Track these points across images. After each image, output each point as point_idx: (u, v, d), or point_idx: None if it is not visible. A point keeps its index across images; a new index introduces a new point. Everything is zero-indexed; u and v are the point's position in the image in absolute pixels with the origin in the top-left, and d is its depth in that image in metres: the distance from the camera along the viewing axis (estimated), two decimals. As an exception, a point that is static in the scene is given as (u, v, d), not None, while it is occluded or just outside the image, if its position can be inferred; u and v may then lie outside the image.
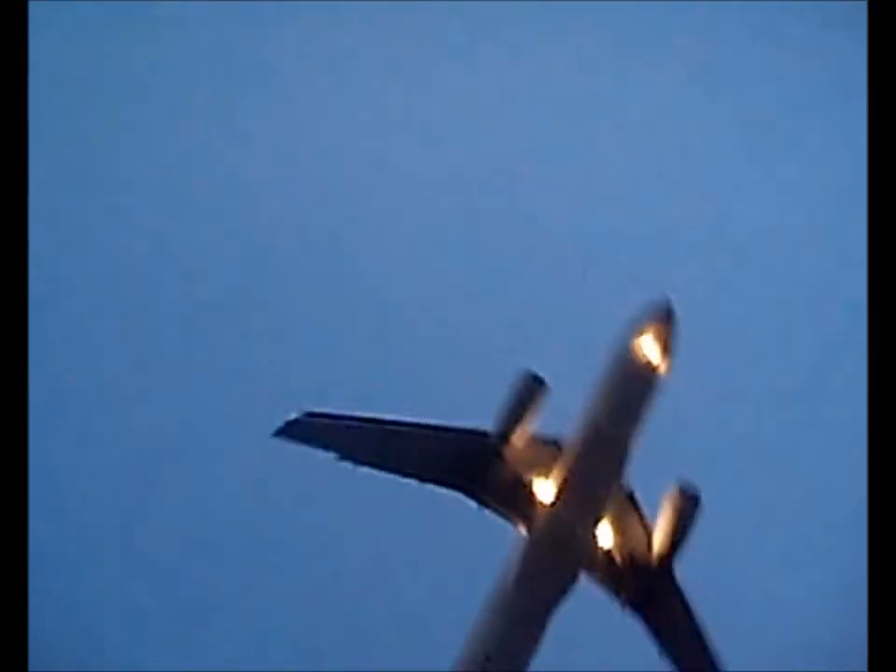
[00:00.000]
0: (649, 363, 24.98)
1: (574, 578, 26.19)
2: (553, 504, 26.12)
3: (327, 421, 25.81)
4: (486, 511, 26.41)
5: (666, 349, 24.97)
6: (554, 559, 25.99)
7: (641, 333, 25.07)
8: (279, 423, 25.93)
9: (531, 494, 26.38)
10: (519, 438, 26.40)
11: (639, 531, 26.90)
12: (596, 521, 26.38)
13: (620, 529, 26.77)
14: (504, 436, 26.38)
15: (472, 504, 26.48)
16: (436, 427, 25.82)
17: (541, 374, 26.22)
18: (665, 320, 24.96)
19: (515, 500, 26.46)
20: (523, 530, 26.64)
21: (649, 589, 26.45)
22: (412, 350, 67.55)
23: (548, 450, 26.63)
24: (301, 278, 79.31)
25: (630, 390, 25.48)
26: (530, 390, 25.94)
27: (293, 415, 25.62)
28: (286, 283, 79.49)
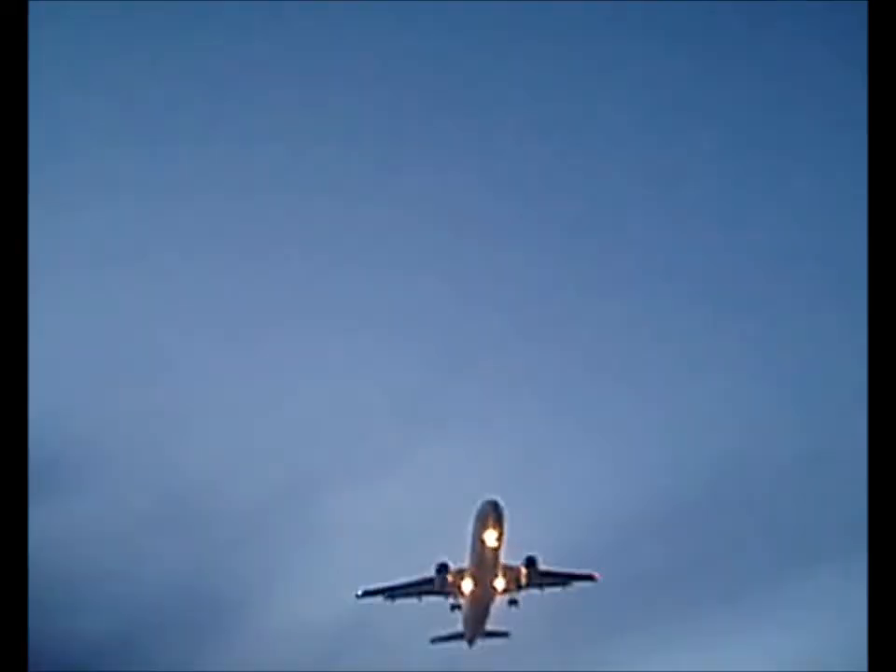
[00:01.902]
0: (490, 545, 48.14)
1: (490, 602, 51.13)
2: (472, 591, 51.52)
3: (373, 589, 52.20)
4: (448, 600, 52.09)
5: (500, 534, 47.40)
6: (479, 603, 51.29)
7: (484, 529, 47.76)
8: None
9: (462, 590, 51.39)
10: (452, 579, 51.59)
11: (516, 573, 51.02)
12: (494, 580, 51.31)
13: (505, 574, 50.21)
14: (444, 583, 51.34)
15: (441, 598, 51.62)
16: (421, 581, 51.06)
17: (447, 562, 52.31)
18: (496, 519, 47.46)
19: (458, 593, 51.71)
20: (464, 601, 52.03)
21: (527, 583, 50.60)
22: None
23: (462, 572, 51.04)
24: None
25: (486, 556, 49.59)
26: (442, 580, 52.67)
27: (361, 590, 52.66)
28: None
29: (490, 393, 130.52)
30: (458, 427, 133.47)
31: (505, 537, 48.06)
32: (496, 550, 49.72)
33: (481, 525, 48.76)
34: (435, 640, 55.93)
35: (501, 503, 48.01)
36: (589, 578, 51.87)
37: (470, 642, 54.93)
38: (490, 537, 48.22)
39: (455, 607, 54.07)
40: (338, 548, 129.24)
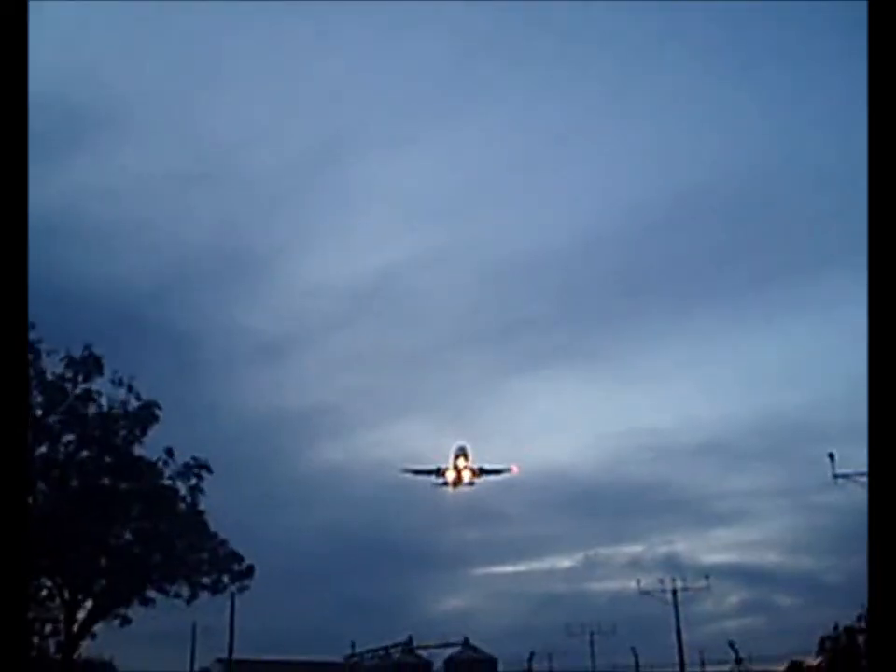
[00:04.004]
0: (461, 466, 77.62)
1: (459, 483, 78.77)
2: (454, 478, 78.04)
3: (408, 469, 79.57)
4: (440, 479, 78.70)
5: (466, 460, 77.70)
6: (456, 483, 78.56)
7: (457, 458, 77.63)
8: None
9: (446, 476, 78.59)
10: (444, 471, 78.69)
11: (474, 471, 78.09)
12: (462, 475, 78.18)
13: (469, 472, 78.03)
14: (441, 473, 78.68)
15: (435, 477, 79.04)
16: (431, 470, 78.56)
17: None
18: (464, 454, 78.06)
19: (445, 476, 78.44)
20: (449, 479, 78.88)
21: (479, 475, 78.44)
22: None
23: (447, 469, 78.86)
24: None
25: (458, 467, 78.65)
26: (439, 473, 79.18)
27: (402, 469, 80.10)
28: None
29: (521, 73, 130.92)
30: (490, 101, 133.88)
31: (470, 460, 79.79)
32: (465, 466, 79.04)
33: (455, 456, 79.90)
34: (434, 485, 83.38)
35: (467, 445, 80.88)
36: (510, 471, 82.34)
37: (454, 487, 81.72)
38: (461, 463, 78.83)
39: (445, 482, 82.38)
40: (365, 212, 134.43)
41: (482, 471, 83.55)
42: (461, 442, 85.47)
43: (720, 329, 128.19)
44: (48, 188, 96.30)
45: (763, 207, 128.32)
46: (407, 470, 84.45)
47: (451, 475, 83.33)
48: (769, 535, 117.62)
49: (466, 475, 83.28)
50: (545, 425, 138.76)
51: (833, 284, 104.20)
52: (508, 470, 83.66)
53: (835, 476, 52.09)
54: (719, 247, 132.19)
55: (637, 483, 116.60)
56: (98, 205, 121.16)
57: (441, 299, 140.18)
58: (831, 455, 52.21)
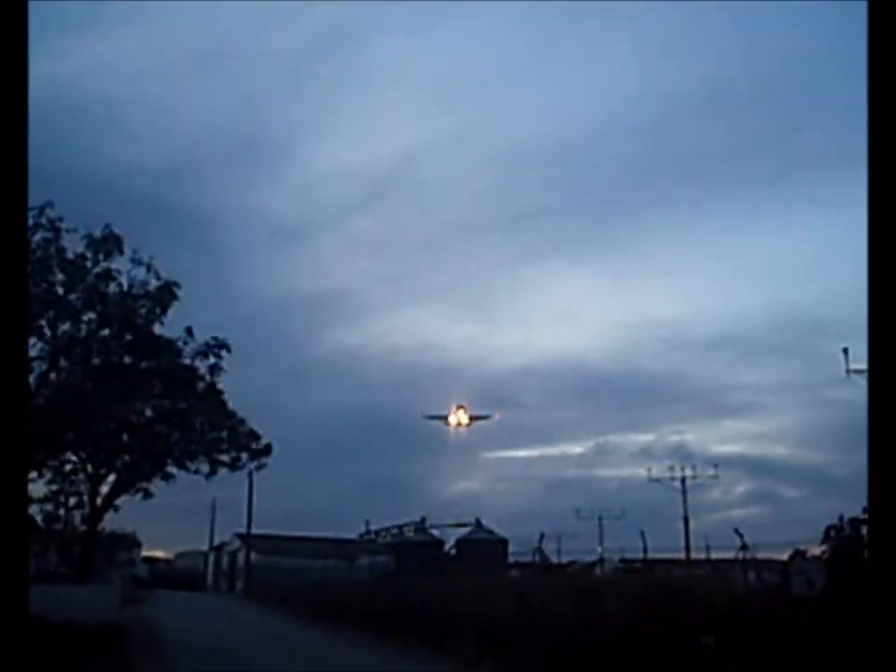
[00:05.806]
0: (461, 416, 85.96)
1: (459, 426, 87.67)
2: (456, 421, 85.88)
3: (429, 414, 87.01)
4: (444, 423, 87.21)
5: (464, 410, 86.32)
6: (457, 424, 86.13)
7: (457, 410, 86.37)
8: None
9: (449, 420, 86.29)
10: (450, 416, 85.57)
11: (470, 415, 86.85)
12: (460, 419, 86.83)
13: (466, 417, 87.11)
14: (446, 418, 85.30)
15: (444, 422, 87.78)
16: (439, 415, 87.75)
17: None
18: (463, 407, 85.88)
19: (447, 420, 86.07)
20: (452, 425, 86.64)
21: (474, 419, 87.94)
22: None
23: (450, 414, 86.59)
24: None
25: (458, 415, 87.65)
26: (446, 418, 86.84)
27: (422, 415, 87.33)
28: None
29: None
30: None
31: (466, 410, 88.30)
32: (463, 415, 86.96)
33: (455, 409, 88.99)
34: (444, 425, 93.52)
35: (465, 404, 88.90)
36: (493, 417, 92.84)
37: (456, 428, 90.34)
38: (460, 413, 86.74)
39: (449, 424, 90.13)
40: (383, 95, 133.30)
41: (473, 418, 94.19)
42: (460, 402, 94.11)
43: (737, 221, 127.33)
44: (63, 67, 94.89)
45: (784, 100, 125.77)
46: (425, 416, 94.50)
47: (453, 420, 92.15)
48: (779, 428, 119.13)
49: (464, 420, 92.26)
50: (559, 313, 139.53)
51: (852, 178, 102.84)
52: (491, 416, 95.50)
53: (848, 371, 52.23)
54: (737, 140, 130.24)
55: (649, 374, 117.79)
56: (113, 85, 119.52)
57: (458, 184, 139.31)
58: (845, 350, 52.21)
